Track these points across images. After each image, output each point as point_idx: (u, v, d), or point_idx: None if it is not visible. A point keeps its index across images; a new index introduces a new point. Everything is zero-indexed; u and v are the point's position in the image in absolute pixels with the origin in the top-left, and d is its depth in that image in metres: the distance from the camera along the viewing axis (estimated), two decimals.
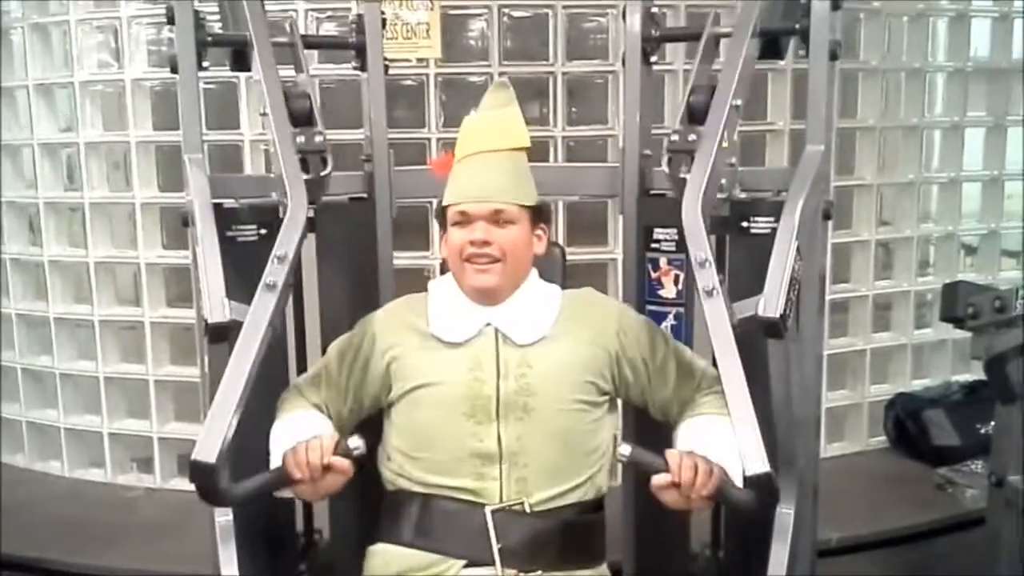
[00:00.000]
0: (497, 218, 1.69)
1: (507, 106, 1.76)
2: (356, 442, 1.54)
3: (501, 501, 1.66)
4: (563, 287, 1.88)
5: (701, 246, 1.60)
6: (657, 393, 1.77)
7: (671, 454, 1.50)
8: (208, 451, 1.43)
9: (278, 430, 1.71)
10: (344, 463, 1.54)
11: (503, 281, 1.71)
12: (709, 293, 1.55)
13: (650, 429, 1.91)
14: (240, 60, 1.97)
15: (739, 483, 1.50)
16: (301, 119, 1.89)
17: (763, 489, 1.45)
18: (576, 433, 1.70)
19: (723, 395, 1.52)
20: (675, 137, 1.87)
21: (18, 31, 3.39)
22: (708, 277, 1.56)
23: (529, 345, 1.71)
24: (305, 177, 1.79)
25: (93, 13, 3.29)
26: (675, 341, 1.87)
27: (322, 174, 1.89)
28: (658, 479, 1.48)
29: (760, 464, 1.43)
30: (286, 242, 1.65)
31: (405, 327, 1.76)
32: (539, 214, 1.76)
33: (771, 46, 1.94)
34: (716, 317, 1.54)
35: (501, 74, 3.15)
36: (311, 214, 1.96)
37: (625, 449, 1.49)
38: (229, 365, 1.52)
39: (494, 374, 1.69)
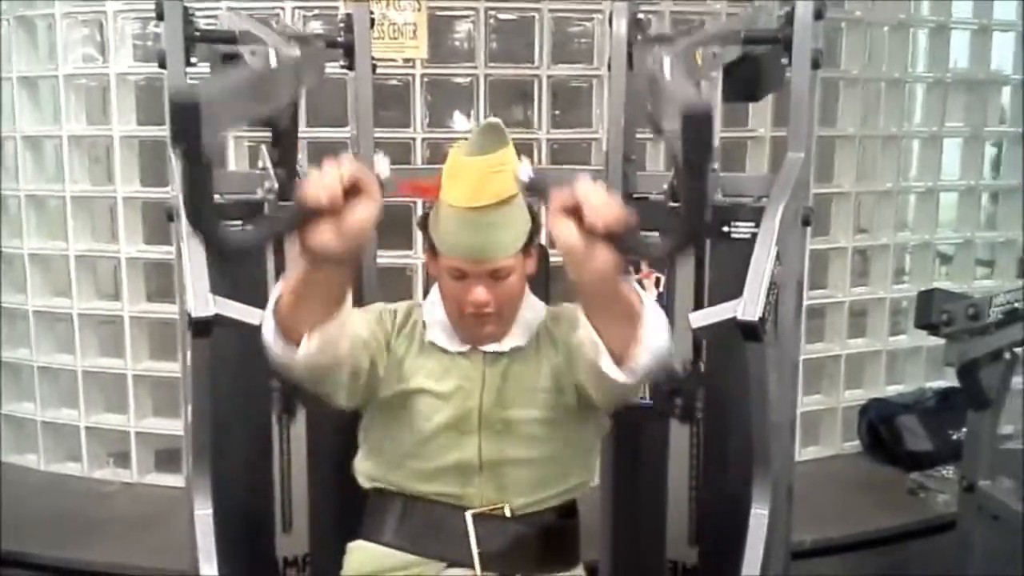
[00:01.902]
0: (495, 274, 1.64)
1: (498, 149, 1.60)
2: (381, 165, 1.25)
3: (481, 506, 1.68)
4: (547, 290, 1.90)
5: None
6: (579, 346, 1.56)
7: (582, 176, 1.23)
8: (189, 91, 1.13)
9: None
10: (370, 179, 1.20)
11: (501, 329, 1.71)
12: None
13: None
14: (229, 59, 1.98)
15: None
16: None
17: (698, 126, 1.13)
18: (555, 442, 1.72)
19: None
20: None
21: (2, 24, 3.37)
22: None
23: (511, 360, 1.72)
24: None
25: (78, 7, 3.27)
26: None
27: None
28: (559, 195, 1.20)
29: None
30: None
31: (409, 328, 1.76)
32: (531, 240, 1.70)
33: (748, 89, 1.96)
34: None
35: (487, 76, 3.16)
36: None
37: (524, 171, 1.26)
38: None
39: (479, 387, 1.70)
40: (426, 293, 1.85)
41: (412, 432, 1.70)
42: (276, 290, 1.43)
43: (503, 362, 1.72)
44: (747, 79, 1.91)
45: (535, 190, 1.29)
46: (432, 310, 1.77)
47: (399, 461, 1.72)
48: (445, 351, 1.72)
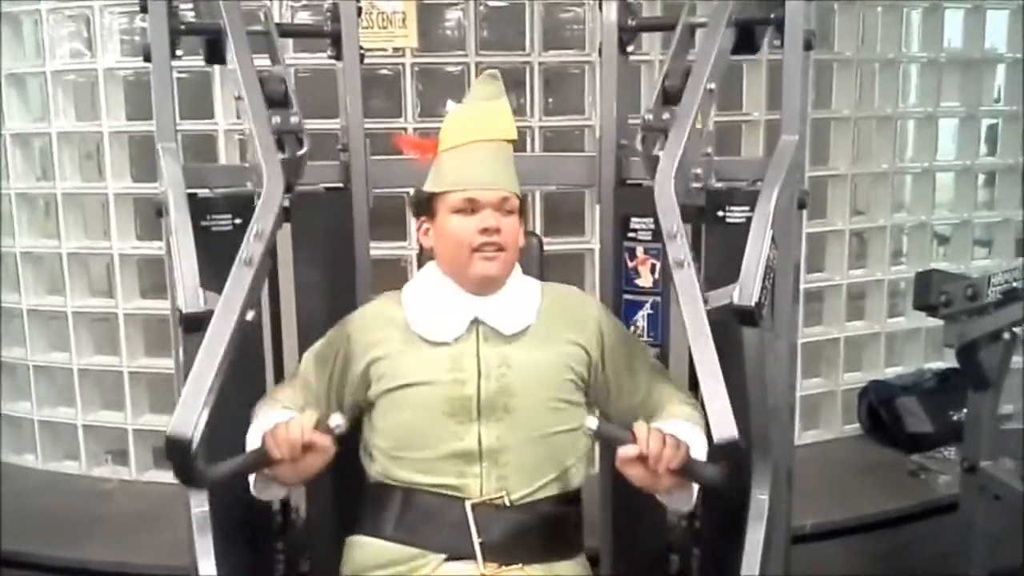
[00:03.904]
0: (503, 206, 1.70)
1: (498, 97, 1.76)
2: (337, 420, 1.50)
3: (481, 495, 1.66)
4: (541, 277, 1.89)
5: (672, 218, 1.60)
6: (626, 400, 1.77)
7: (639, 426, 1.48)
8: (184, 426, 1.39)
9: (254, 431, 1.67)
10: (325, 440, 1.49)
11: (505, 270, 1.73)
12: (680, 264, 1.54)
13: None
14: (214, 52, 1.95)
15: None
16: (276, 101, 1.87)
17: (731, 456, 1.42)
18: (556, 431, 1.71)
19: (697, 409, 1.50)
20: (649, 116, 1.87)
21: None
22: (678, 249, 1.56)
23: (510, 344, 1.71)
24: (281, 156, 1.77)
25: (65, 3, 3.24)
26: (652, 356, 1.89)
27: (299, 154, 1.88)
28: (624, 450, 1.45)
29: (729, 429, 1.41)
30: (263, 218, 1.62)
31: (385, 323, 1.75)
32: (524, 207, 1.77)
33: (746, 40, 1.94)
34: (686, 288, 1.53)
35: (478, 64, 3.14)
36: (286, 204, 1.95)
37: (592, 422, 1.47)
38: (205, 341, 1.48)
39: (475, 374, 1.69)
40: None
41: (410, 426, 1.69)
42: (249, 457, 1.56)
43: (501, 348, 1.71)
44: (741, 36, 1.91)
45: (602, 438, 1.54)
46: (415, 300, 1.76)
47: (399, 454, 1.70)
48: (433, 343, 1.71)
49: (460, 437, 1.67)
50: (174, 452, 1.39)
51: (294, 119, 1.88)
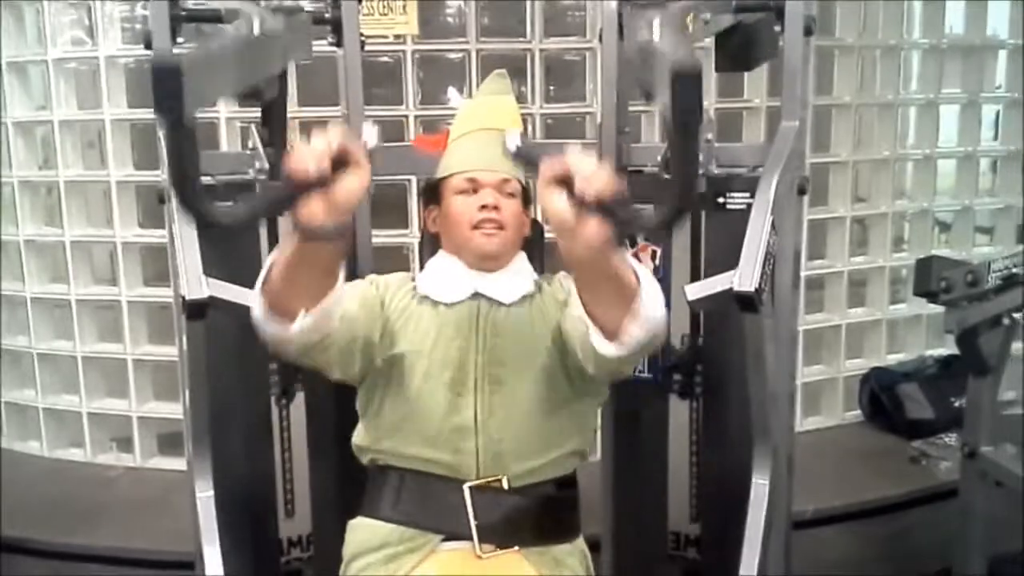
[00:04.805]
0: (503, 188, 1.75)
1: (504, 93, 1.91)
2: (369, 131, 1.19)
3: (478, 476, 1.67)
4: (542, 263, 1.90)
5: None
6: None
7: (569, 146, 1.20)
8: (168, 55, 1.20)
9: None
10: (359, 149, 1.16)
11: (505, 248, 1.75)
12: None
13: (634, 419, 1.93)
14: None
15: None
16: None
17: (691, 114, 1.08)
18: (550, 405, 1.71)
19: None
20: None
21: None
22: None
23: (508, 319, 1.72)
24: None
25: None
26: None
27: None
28: (546, 164, 1.17)
29: (689, 62, 1.12)
30: None
31: (399, 288, 1.78)
32: (528, 197, 1.81)
33: (740, 58, 1.95)
34: None
35: (479, 51, 3.14)
36: None
37: (511, 138, 1.22)
38: None
39: (473, 346, 1.70)
40: (422, 267, 1.86)
41: (406, 395, 1.69)
42: (266, 265, 1.40)
43: (500, 319, 1.72)
44: (740, 48, 1.90)
45: (524, 159, 1.25)
46: (428, 269, 1.82)
47: (395, 425, 1.70)
48: (438, 305, 1.73)
49: (457, 409, 1.67)
50: (161, 80, 1.05)
51: None
